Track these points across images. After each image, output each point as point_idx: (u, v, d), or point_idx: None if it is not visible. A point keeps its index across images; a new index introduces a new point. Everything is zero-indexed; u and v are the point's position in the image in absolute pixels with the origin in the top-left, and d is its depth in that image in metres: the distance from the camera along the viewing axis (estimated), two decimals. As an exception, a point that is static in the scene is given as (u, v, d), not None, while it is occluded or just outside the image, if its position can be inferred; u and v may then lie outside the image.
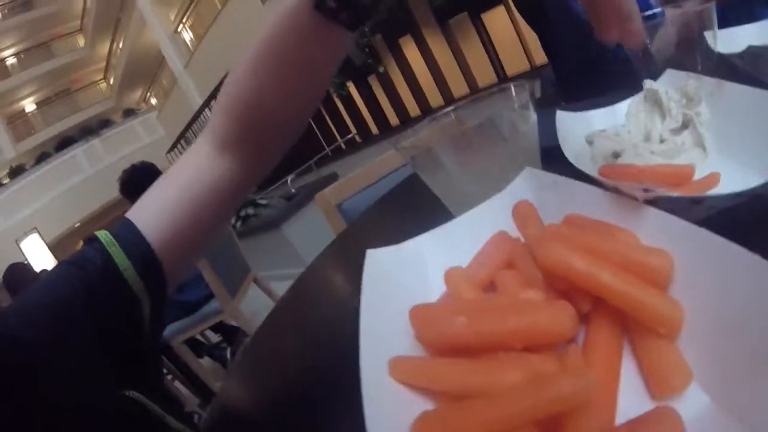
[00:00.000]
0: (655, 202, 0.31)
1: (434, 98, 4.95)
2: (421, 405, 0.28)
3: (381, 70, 5.01)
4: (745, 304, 0.22)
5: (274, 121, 0.47)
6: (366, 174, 1.20)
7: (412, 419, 0.25)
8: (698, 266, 0.26)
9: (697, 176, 0.43)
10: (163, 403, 0.44)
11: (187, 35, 10.42)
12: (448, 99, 4.82)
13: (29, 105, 15.84)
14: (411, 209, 0.58)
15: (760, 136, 0.39)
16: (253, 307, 2.49)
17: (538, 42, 1.22)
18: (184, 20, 10.25)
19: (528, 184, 0.40)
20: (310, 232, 3.88)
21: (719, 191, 0.39)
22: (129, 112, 15.06)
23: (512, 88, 0.47)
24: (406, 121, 5.16)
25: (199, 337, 2.81)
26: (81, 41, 15.83)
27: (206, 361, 2.82)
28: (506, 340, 0.27)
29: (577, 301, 0.28)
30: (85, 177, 12.35)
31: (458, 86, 4.83)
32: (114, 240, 0.43)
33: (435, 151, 0.46)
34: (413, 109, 5.12)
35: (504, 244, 0.37)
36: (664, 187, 0.43)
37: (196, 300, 2.37)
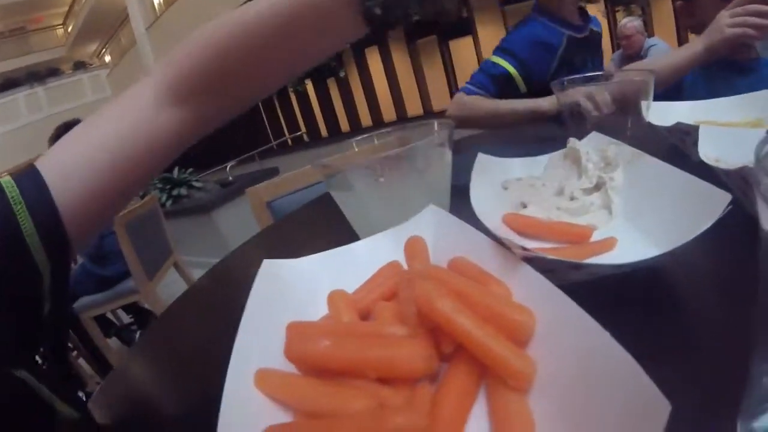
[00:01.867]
0: (533, 261, 0.32)
1: (388, 112, 4.98)
2: (278, 419, 0.28)
3: (342, 74, 5.02)
4: (590, 373, 0.24)
5: (244, 82, 0.43)
6: (302, 176, 1.20)
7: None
8: (556, 328, 0.27)
9: (597, 237, 0.45)
10: (54, 384, 0.39)
11: (157, -3, 10.07)
12: (402, 116, 4.88)
13: (-19, 36, 14.79)
14: (331, 220, 0.59)
15: (665, 211, 0.41)
16: (171, 291, 2.39)
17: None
18: (157, -20, 9.91)
19: (428, 221, 0.42)
20: (240, 223, 3.80)
21: (613, 255, 0.42)
22: (80, 65, 14.37)
23: (435, 124, 0.49)
24: (357, 128, 5.17)
25: (109, 315, 2.70)
26: (49, -22, 14.94)
27: (113, 341, 2.70)
28: (362, 368, 0.28)
29: (442, 341, 0.29)
30: (21, 125, 11.67)
31: (413, 105, 4.89)
32: (21, 197, 0.36)
33: (348, 174, 0.47)
34: (366, 118, 5.14)
35: (392, 275, 0.38)
36: (563, 242, 0.46)
37: (115, 275, 2.27)
